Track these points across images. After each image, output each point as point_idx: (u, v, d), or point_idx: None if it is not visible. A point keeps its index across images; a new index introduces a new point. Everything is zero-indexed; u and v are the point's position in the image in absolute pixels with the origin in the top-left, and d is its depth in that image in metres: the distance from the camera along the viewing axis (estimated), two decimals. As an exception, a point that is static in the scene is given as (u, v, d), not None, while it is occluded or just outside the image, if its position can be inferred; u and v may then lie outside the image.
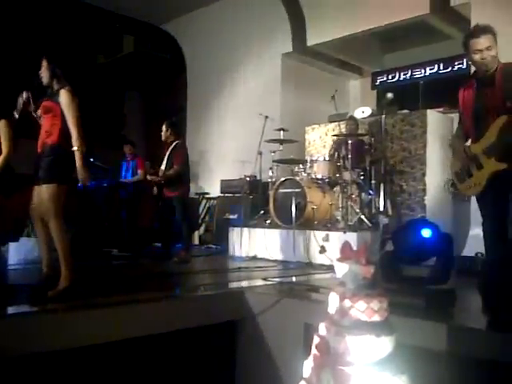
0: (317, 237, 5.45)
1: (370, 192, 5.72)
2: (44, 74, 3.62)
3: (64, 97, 3.51)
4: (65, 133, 3.52)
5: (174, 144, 5.99)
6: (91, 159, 7.34)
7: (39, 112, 3.64)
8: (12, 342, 2.65)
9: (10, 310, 3.10)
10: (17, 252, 5.24)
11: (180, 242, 5.98)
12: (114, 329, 3.04)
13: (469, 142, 3.34)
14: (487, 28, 3.15)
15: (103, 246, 6.78)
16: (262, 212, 6.70)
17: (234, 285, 4.49)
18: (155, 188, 6.12)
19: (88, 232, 6.65)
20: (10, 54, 8.85)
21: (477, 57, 3.15)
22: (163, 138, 6.05)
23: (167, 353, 3.64)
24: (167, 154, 5.98)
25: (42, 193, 3.50)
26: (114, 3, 8.69)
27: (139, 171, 7.27)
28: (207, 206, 8.52)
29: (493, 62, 3.13)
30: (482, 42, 3.12)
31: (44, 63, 3.62)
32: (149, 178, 6.12)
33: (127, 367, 3.53)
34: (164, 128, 6.03)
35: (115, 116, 11.95)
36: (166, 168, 5.92)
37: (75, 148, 3.47)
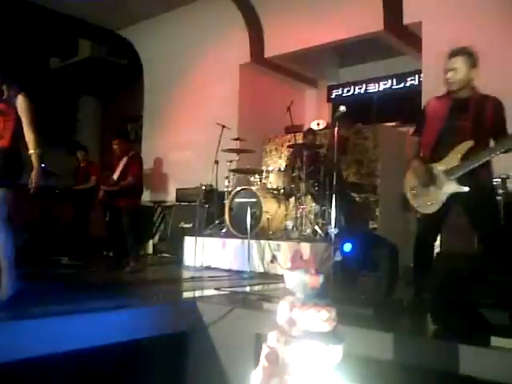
0: (271, 247, 5.48)
1: (324, 203, 5.81)
2: None
3: (22, 101, 3.45)
4: (17, 137, 3.45)
5: (130, 155, 5.95)
6: (42, 165, 7.15)
7: None
8: None
9: None
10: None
11: (131, 252, 5.89)
12: (59, 340, 2.95)
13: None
14: (460, 50, 3.27)
15: (53, 253, 6.60)
16: (218, 221, 6.69)
17: (186, 295, 4.45)
18: (101, 192, 6.02)
19: (38, 239, 6.47)
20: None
21: (445, 76, 3.29)
22: (116, 152, 6.00)
23: (115, 364, 3.56)
24: (122, 164, 5.92)
25: None
26: (70, 7, 8.53)
27: (92, 178, 7.13)
28: (162, 214, 8.43)
29: (457, 84, 3.25)
30: (451, 62, 3.25)
31: None
32: (102, 187, 6.02)
33: (73, 380, 3.44)
34: (116, 142, 5.99)
35: (69, 121, 11.70)
36: (119, 178, 5.87)
37: (32, 151, 3.42)
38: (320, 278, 1.95)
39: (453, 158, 3.20)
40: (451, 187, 3.20)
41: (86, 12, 8.74)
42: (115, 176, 5.90)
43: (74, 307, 3.33)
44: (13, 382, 3.00)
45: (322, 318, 1.85)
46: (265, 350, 1.96)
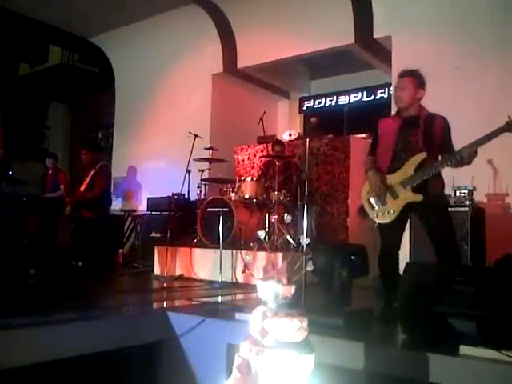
0: (243, 256, 5.47)
1: (296, 213, 5.85)
2: None
3: None
4: None
5: (98, 166, 5.90)
6: (10, 172, 7.00)
7: None
8: None
9: None
10: None
11: (99, 262, 5.83)
12: (23, 352, 2.88)
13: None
14: (409, 72, 3.51)
15: (20, 263, 6.45)
16: (189, 231, 6.66)
17: (157, 305, 4.41)
18: (69, 207, 5.96)
19: (4, 248, 6.31)
20: None
21: (395, 93, 3.58)
22: (84, 162, 5.95)
23: (83, 377, 3.50)
24: (90, 175, 5.87)
25: None
26: (40, 13, 8.42)
27: (61, 186, 7.02)
28: (133, 223, 8.34)
29: (406, 102, 3.48)
30: (400, 82, 3.52)
31: None
32: (68, 200, 5.95)
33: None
34: (83, 151, 5.94)
35: (37, 128, 11.51)
36: (86, 189, 5.81)
37: None
38: (292, 288, 1.96)
39: (407, 169, 3.40)
40: (407, 196, 3.37)
41: (57, 18, 8.65)
42: (82, 188, 5.84)
43: (40, 319, 3.25)
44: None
45: (293, 327, 1.86)
46: (237, 360, 1.96)
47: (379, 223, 3.53)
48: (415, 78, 3.47)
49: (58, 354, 3.03)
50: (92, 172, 5.86)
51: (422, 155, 3.35)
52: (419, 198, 3.33)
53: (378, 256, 3.56)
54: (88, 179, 5.84)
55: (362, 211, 3.63)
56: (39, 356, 2.93)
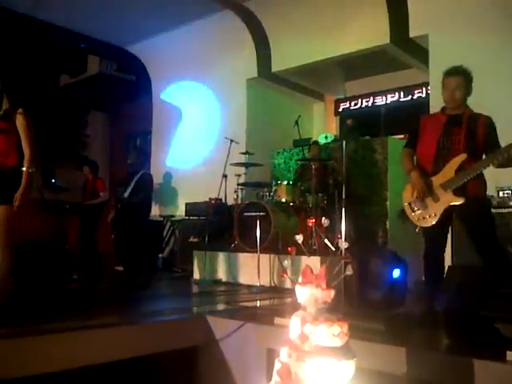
0: (281, 261, 5.46)
1: (333, 216, 5.79)
2: None
3: (21, 117, 3.48)
4: (21, 153, 3.47)
5: (141, 174, 6.01)
6: (53, 180, 7.22)
7: None
8: None
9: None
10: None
11: (140, 267, 5.91)
12: (68, 356, 2.94)
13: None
14: (460, 70, 3.44)
15: (63, 269, 6.61)
16: (227, 235, 6.69)
17: (196, 309, 4.44)
18: (112, 213, 6.08)
19: (48, 254, 6.49)
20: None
21: (445, 94, 3.47)
22: (130, 162, 6.06)
23: (125, 381, 3.55)
24: (133, 182, 5.98)
25: None
26: (79, 24, 8.65)
27: (101, 193, 7.16)
28: (172, 228, 8.44)
29: (458, 101, 3.42)
30: (451, 81, 3.43)
31: None
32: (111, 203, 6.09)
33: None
34: (132, 154, 6.07)
35: (78, 136, 11.81)
36: (129, 195, 5.93)
37: (25, 168, 3.44)
38: (331, 293, 1.94)
39: (448, 171, 3.34)
40: (448, 199, 3.32)
41: (95, 29, 8.86)
42: (126, 194, 5.95)
43: (83, 323, 3.33)
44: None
45: (333, 332, 1.85)
46: (277, 365, 1.95)
47: (422, 227, 3.46)
48: (467, 76, 3.42)
49: (98, 358, 3.08)
50: (135, 179, 5.97)
51: (463, 156, 3.29)
52: (460, 200, 3.28)
53: (422, 259, 3.48)
54: (132, 186, 5.95)
55: (402, 214, 3.57)
56: (80, 360, 2.99)
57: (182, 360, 3.70)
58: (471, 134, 3.33)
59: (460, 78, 3.40)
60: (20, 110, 3.49)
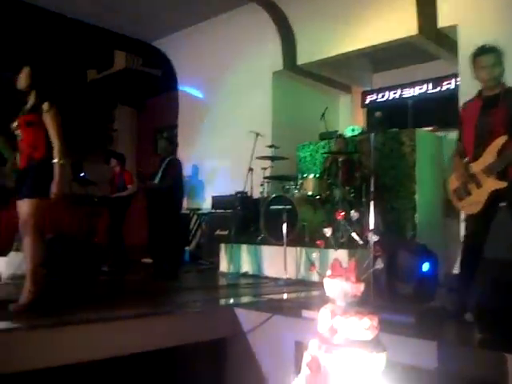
0: (307, 254, 5.45)
1: (361, 209, 5.74)
2: (22, 81, 3.62)
3: (48, 110, 3.52)
4: (49, 146, 3.52)
5: (168, 160, 6.00)
6: (82, 174, 7.33)
7: (15, 125, 3.62)
8: None
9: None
10: (6, 266, 5.18)
11: (169, 258, 5.94)
12: (97, 346, 2.99)
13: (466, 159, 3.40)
14: (493, 47, 3.33)
15: (93, 261, 6.72)
16: (253, 228, 6.70)
17: (224, 301, 4.47)
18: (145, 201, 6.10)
19: (78, 247, 6.60)
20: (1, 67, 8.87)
21: (482, 74, 3.32)
22: (159, 151, 6.07)
23: (153, 371, 3.59)
24: (161, 169, 5.98)
25: (24, 207, 3.47)
26: (104, 20, 8.74)
27: (128, 186, 7.23)
28: (198, 221, 8.50)
29: (497, 78, 3.30)
30: (488, 59, 3.30)
31: (26, 70, 3.62)
32: (140, 185, 6.10)
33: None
34: (161, 142, 6.08)
35: (105, 131, 11.96)
36: (158, 181, 5.94)
37: (56, 161, 3.48)
38: (361, 286, 1.93)
39: (489, 155, 3.23)
40: (491, 184, 3.21)
41: (121, 24, 8.93)
42: (156, 179, 5.96)
43: (112, 314, 3.38)
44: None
45: (364, 326, 1.84)
46: (307, 357, 1.95)
47: (466, 214, 3.38)
48: (499, 53, 3.32)
49: (127, 349, 3.13)
50: (162, 166, 5.99)
51: (503, 139, 3.17)
52: (503, 184, 3.16)
53: (461, 249, 3.39)
54: (160, 173, 5.96)
55: (448, 205, 3.47)
56: (109, 351, 3.04)
57: (209, 351, 3.74)
58: (509, 114, 3.19)
59: (494, 54, 3.30)
60: (47, 103, 3.53)
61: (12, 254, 5.63)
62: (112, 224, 7.23)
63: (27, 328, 2.95)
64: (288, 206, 5.88)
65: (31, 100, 3.60)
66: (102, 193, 7.48)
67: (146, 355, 3.31)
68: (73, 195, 7.22)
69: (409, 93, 8.42)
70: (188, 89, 9.43)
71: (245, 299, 4.34)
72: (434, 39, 6.99)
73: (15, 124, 3.59)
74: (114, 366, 3.39)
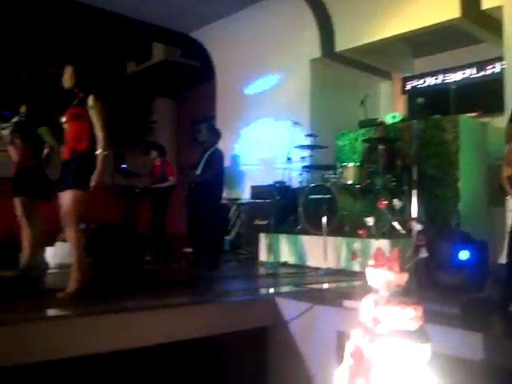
0: (348, 243, 5.41)
1: (403, 198, 5.64)
2: (67, 80, 3.70)
3: (93, 102, 3.60)
4: (93, 138, 3.60)
5: (211, 151, 6.03)
6: (124, 165, 7.47)
7: (63, 119, 3.71)
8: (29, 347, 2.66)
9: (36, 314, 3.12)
10: (53, 256, 5.35)
11: (210, 248, 5.99)
12: (143, 335, 3.05)
13: None
14: None
15: (136, 251, 6.87)
16: (292, 218, 6.69)
17: (264, 291, 4.49)
18: (186, 192, 6.16)
19: (121, 237, 6.76)
20: (43, 62, 9.10)
21: None
22: (201, 140, 6.09)
23: (194, 360, 3.65)
24: (203, 160, 6.00)
25: (65, 198, 3.56)
26: (142, 12, 8.83)
27: (170, 178, 7.33)
28: (238, 211, 8.54)
29: None
30: None
31: (70, 69, 3.70)
32: (182, 178, 6.13)
33: (152, 374, 3.55)
34: (204, 132, 6.10)
35: (145, 123, 12.13)
36: (200, 173, 5.96)
37: (99, 151, 3.55)
38: (405, 276, 1.91)
39: None
40: None
41: (158, 16, 9.01)
42: (198, 171, 5.99)
43: (155, 303, 3.45)
44: (92, 374, 3.15)
45: (408, 316, 1.82)
46: (349, 347, 1.95)
47: None
48: None
49: (169, 337, 3.19)
50: (205, 157, 6.01)
51: None
52: None
53: (508, 239, 3.27)
54: (202, 164, 5.99)
55: (500, 189, 3.33)
56: (151, 339, 3.10)
57: (250, 340, 3.76)
58: None
59: None
60: (92, 96, 3.61)
61: (58, 244, 5.82)
62: (154, 214, 7.36)
63: (74, 315, 3.05)
64: (328, 196, 5.85)
65: (77, 95, 3.69)
66: (143, 184, 7.61)
67: (188, 343, 3.36)
68: (115, 186, 7.37)
69: (451, 78, 8.19)
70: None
71: (285, 289, 4.35)
72: (477, 21, 6.77)
73: (63, 118, 3.69)
74: (157, 354, 3.46)
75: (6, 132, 4.57)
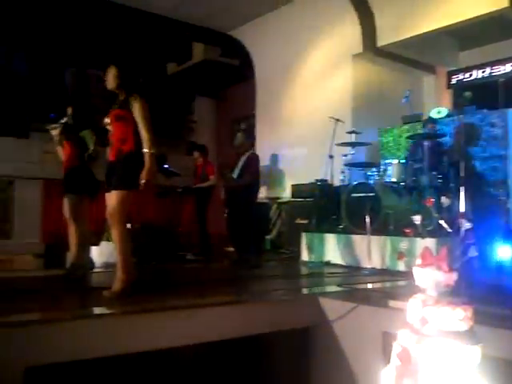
0: (393, 242, 5.30)
1: (449, 196, 5.48)
2: (111, 81, 3.74)
3: (137, 103, 3.62)
4: (138, 139, 3.63)
5: (248, 155, 6.08)
6: (166, 165, 7.56)
7: (107, 120, 3.76)
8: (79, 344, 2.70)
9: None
10: (98, 255, 5.47)
11: (251, 248, 6.01)
12: (179, 334, 3.06)
13: None
14: None
15: (178, 250, 6.95)
16: (335, 217, 6.61)
17: (307, 290, 4.45)
18: (223, 192, 6.21)
19: (164, 236, 6.85)
20: (85, 63, 9.34)
21: None
22: (237, 144, 6.15)
23: (236, 359, 3.64)
24: (240, 163, 6.06)
25: (111, 199, 3.62)
26: (182, 12, 8.93)
27: (210, 177, 7.38)
28: (278, 210, 8.52)
29: None
30: None
31: (113, 71, 3.74)
32: (221, 180, 6.20)
33: (198, 373, 3.57)
34: (239, 136, 6.16)
35: (186, 123, 12.25)
36: (238, 177, 6.03)
37: (146, 150, 3.58)
38: (454, 276, 1.86)
39: None
40: None
41: (198, 16, 9.09)
42: (234, 175, 6.06)
43: (197, 301, 3.46)
44: (136, 372, 3.18)
45: (457, 316, 1.77)
46: (396, 348, 1.90)
47: None
48: None
49: (211, 336, 3.18)
50: (242, 161, 6.06)
51: None
52: None
53: None
54: (239, 168, 6.04)
55: None
56: (194, 337, 3.10)
57: (293, 340, 3.74)
58: None
59: None
60: (135, 96, 3.65)
61: (103, 244, 5.95)
62: (196, 214, 7.43)
63: (120, 313, 3.09)
64: (371, 194, 5.75)
65: (120, 96, 3.74)
66: (185, 184, 7.69)
67: (231, 343, 3.36)
68: (157, 186, 7.48)
69: (499, 70, 7.89)
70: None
71: (328, 288, 4.29)
72: (527, 10, 6.52)
73: (107, 120, 3.74)
74: (199, 353, 3.48)
75: (55, 132, 4.70)
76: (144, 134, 3.61)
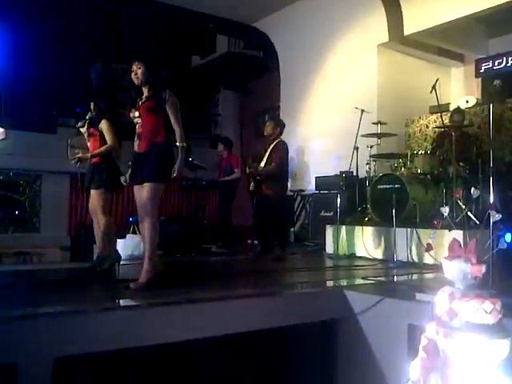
0: (420, 235, 5.23)
1: (478, 187, 5.37)
2: (140, 76, 3.76)
3: (169, 98, 3.67)
4: (168, 132, 3.68)
5: (275, 142, 6.01)
6: (190, 158, 7.60)
7: (135, 113, 3.78)
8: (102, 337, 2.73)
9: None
10: (124, 248, 5.54)
11: (275, 240, 5.99)
12: (206, 325, 3.07)
13: None
14: None
15: (203, 242, 6.98)
16: (360, 209, 6.55)
17: (332, 283, 4.42)
18: (253, 184, 6.17)
19: (189, 229, 6.89)
20: (110, 58, 9.41)
21: None
22: (266, 133, 6.09)
23: (265, 351, 3.65)
24: (268, 151, 5.99)
25: (143, 191, 3.64)
26: (205, 5, 8.92)
27: (235, 170, 7.39)
28: (302, 203, 8.49)
29: None
30: None
31: (142, 67, 3.76)
32: (248, 170, 6.14)
33: (223, 365, 3.59)
34: (269, 123, 6.09)
35: (210, 116, 12.28)
36: (265, 165, 5.96)
37: (179, 144, 3.64)
38: (483, 268, 1.82)
39: None
40: None
41: (221, 8, 9.07)
42: (262, 163, 6.00)
43: (222, 293, 3.48)
44: (162, 363, 3.21)
45: (485, 309, 1.74)
46: (423, 341, 1.89)
47: None
48: None
49: (237, 327, 3.19)
50: (269, 149, 6.01)
51: None
52: None
53: None
54: (266, 156, 6.00)
55: None
56: (220, 329, 3.12)
57: (319, 332, 3.73)
58: None
59: None
60: (167, 91, 3.70)
61: (129, 237, 6.02)
62: (221, 206, 7.45)
63: (146, 305, 3.13)
64: (397, 185, 5.67)
65: (149, 90, 3.77)
66: (209, 177, 7.71)
67: (257, 334, 3.37)
68: (183, 179, 7.52)
69: (530, 58, 7.70)
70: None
71: (354, 281, 4.27)
72: (559, -6, 6.32)
73: (136, 113, 3.77)
74: (225, 345, 3.50)
75: (84, 129, 4.77)
76: (176, 128, 3.68)
